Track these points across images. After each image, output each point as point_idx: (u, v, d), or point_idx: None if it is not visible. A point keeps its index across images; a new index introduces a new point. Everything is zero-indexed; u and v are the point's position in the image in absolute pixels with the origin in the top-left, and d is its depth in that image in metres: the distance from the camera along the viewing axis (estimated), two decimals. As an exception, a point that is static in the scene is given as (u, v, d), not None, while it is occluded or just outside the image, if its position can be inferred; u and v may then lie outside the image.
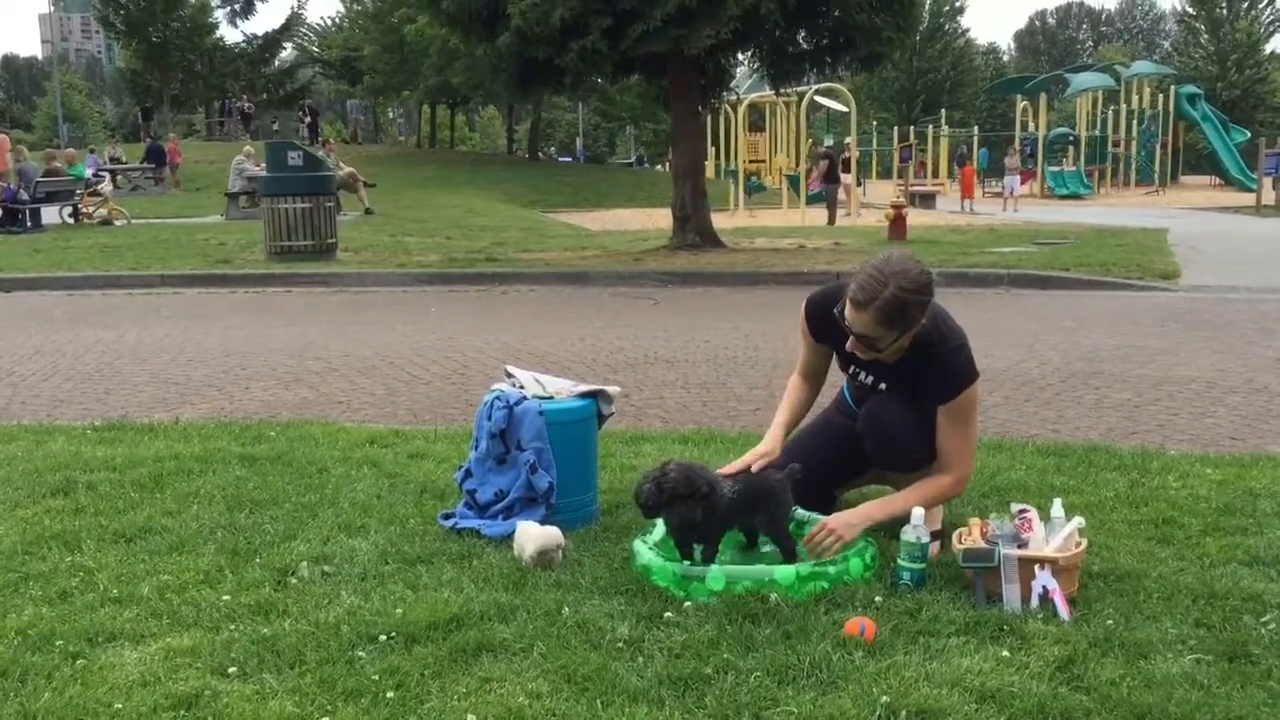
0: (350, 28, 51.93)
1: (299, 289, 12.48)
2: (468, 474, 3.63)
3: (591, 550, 3.26)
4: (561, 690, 2.39)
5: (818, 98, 29.69)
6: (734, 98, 26.02)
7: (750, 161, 31.15)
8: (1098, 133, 39.25)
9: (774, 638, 2.61)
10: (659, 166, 52.15)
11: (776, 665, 2.46)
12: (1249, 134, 42.10)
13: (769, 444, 3.37)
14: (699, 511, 2.97)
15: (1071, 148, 38.84)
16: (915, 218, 18.61)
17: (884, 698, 2.29)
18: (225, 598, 2.91)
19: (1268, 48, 63.73)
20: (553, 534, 3.14)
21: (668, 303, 10.94)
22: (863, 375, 3.42)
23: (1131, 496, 3.73)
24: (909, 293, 3.02)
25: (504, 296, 11.78)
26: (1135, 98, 40.49)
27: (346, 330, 8.99)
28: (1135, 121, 40.21)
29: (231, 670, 2.50)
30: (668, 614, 2.75)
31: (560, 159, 59.87)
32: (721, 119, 33.95)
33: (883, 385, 3.36)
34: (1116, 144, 39.67)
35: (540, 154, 55.46)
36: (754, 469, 3.25)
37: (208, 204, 24.95)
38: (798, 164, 29.11)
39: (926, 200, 28.72)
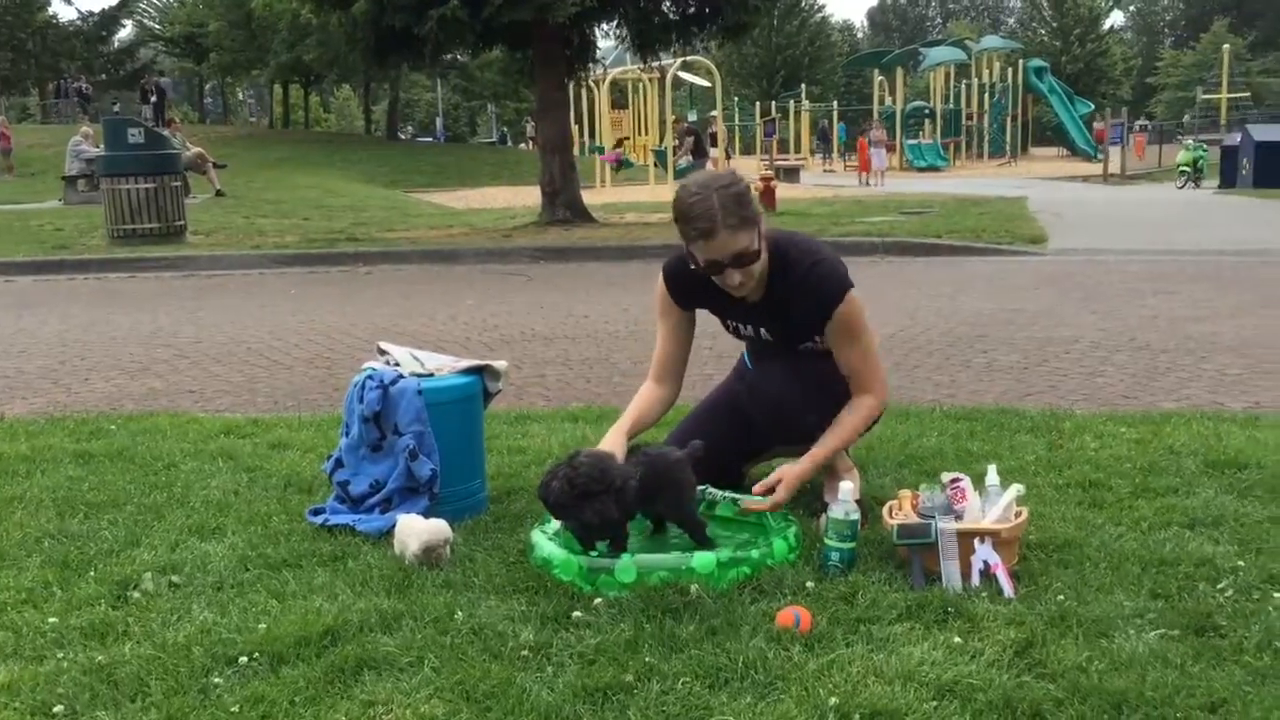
0: (194, 3, 49.69)
1: (145, 274, 11.70)
2: (338, 464, 3.23)
3: (483, 544, 2.91)
4: (459, 711, 2.04)
5: (680, 73, 29.53)
6: (600, 71, 25.65)
7: (615, 139, 30.85)
8: (952, 106, 40.16)
9: (699, 635, 2.30)
10: (522, 145, 51.40)
11: (706, 667, 2.16)
12: (1092, 106, 43.65)
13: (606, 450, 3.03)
14: (614, 508, 2.64)
15: (928, 121, 39.67)
16: (781, 191, 18.57)
17: (831, 699, 2.01)
18: (52, 620, 2.47)
19: (1107, 23, 66.37)
20: (439, 528, 2.78)
21: (541, 279, 10.57)
22: (743, 328, 3.17)
23: (1053, 460, 3.55)
24: (730, 186, 2.87)
25: (368, 277, 11.24)
26: (986, 72, 41.58)
27: (198, 315, 8.38)
28: (987, 95, 41.30)
29: (58, 709, 2.08)
30: (576, 613, 2.43)
31: (420, 140, 58.44)
32: (585, 96, 33.55)
33: (763, 330, 3.12)
34: (970, 117, 40.69)
35: (400, 134, 54.07)
36: None
37: (44, 189, 23.38)
38: (662, 140, 28.91)
39: (791, 174, 28.88)
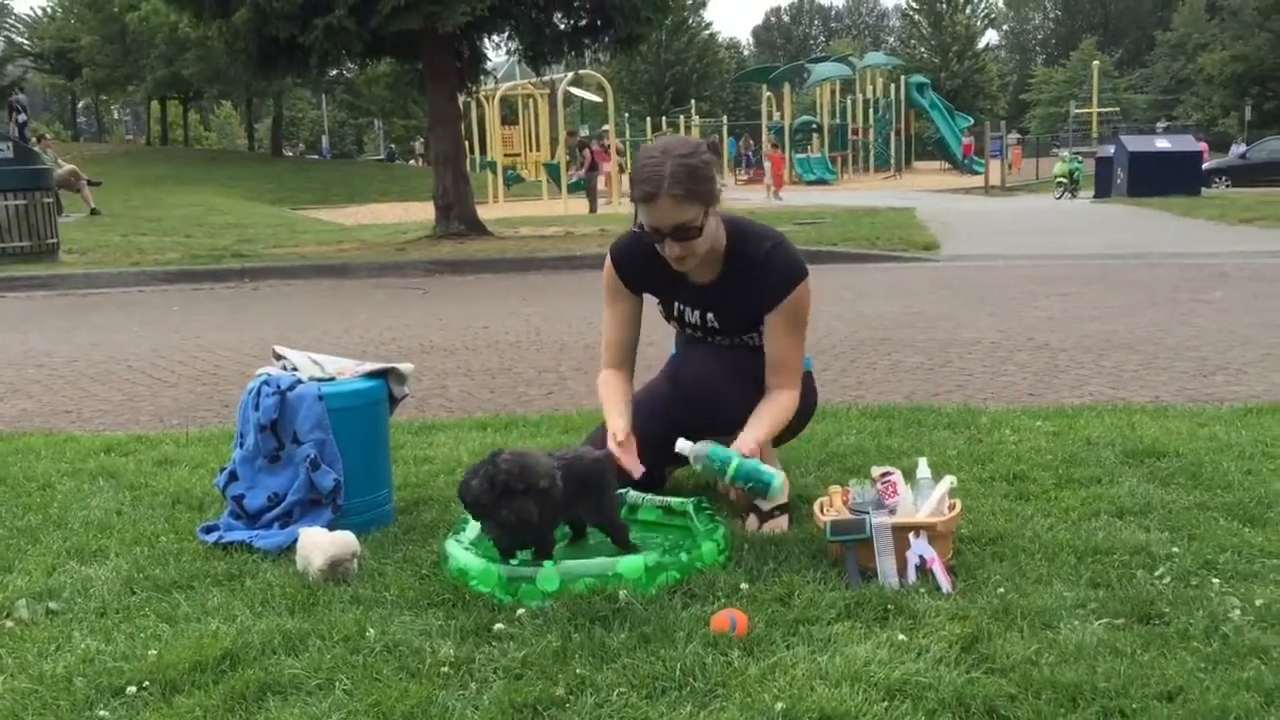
0: (64, 17, 47.92)
1: (14, 294, 11.13)
2: (232, 477, 3.01)
3: (393, 556, 2.73)
4: (377, 735, 1.87)
5: (571, 88, 29.50)
6: (491, 85, 25.46)
7: (506, 155, 30.64)
8: (838, 121, 40.88)
9: (631, 643, 2.16)
10: (412, 161, 50.71)
11: (641, 676, 2.02)
12: (971, 120, 44.90)
13: (623, 426, 2.92)
14: (535, 509, 2.48)
15: (815, 135, 40.30)
16: (674, 204, 18.56)
17: (778, 704, 1.89)
18: (-87, 656, 2.22)
19: (983, 40, 68.49)
20: (345, 540, 2.59)
21: (438, 291, 10.33)
22: (689, 313, 3.05)
23: (974, 453, 3.51)
24: (688, 156, 2.75)
25: (255, 293, 10.86)
26: (870, 87, 42.47)
27: (74, 335, 7.95)
28: (871, 110, 42.17)
29: (-82, 756, 1.85)
30: (498, 625, 2.27)
31: (307, 157, 57.24)
32: (474, 112, 33.28)
33: (711, 316, 3.01)
34: (855, 131, 41.48)
35: (287, 152, 52.88)
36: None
37: (-96, 209, 22.22)
38: (553, 155, 28.81)
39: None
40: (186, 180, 29.70)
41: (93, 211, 20.41)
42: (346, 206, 27.42)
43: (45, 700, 2.00)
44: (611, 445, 2.82)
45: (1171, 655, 2.04)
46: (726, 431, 3.02)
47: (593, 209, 22.91)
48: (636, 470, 2.80)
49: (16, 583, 2.61)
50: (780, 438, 3.03)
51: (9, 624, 2.37)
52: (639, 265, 3.00)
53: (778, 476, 2.66)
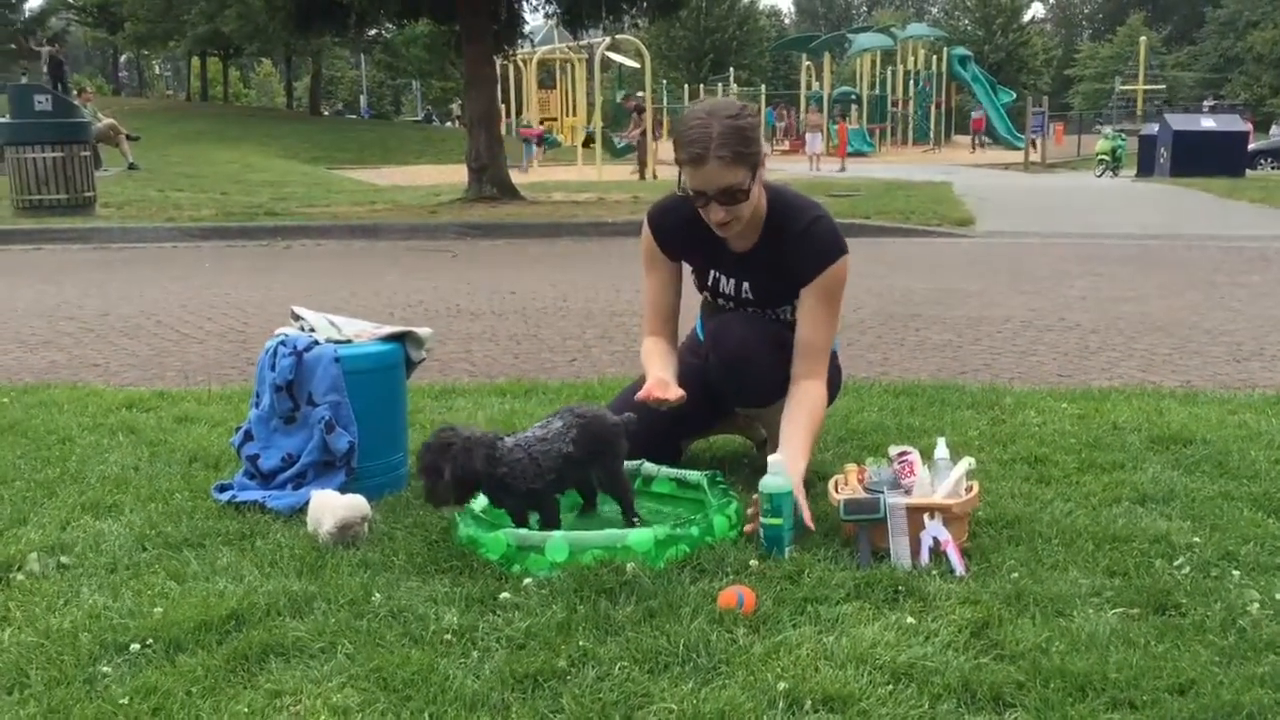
0: (107, -29, 48.01)
1: (51, 246, 11.22)
2: (248, 436, 3.01)
3: (403, 521, 2.72)
4: (376, 701, 1.86)
5: (609, 53, 29.27)
6: (529, 48, 25.34)
7: (542, 119, 30.54)
8: (878, 93, 40.42)
9: (637, 617, 2.14)
10: (448, 123, 50.66)
11: (644, 651, 2.00)
12: (1014, 95, 44.25)
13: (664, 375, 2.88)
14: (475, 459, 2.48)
15: (854, 107, 39.86)
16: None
17: (780, 684, 1.87)
18: (-76, 606, 2.24)
19: (1028, 14, 67.41)
20: (356, 504, 2.58)
21: (467, 255, 10.32)
22: (724, 283, 2.99)
23: (996, 434, 3.46)
24: (735, 117, 2.70)
25: (288, 251, 10.89)
26: (911, 59, 41.89)
27: (107, 288, 8.01)
28: (912, 82, 41.63)
29: (-77, 705, 1.86)
30: (504, 594, 2.25)
31: (346, 117, 57.26)
32: (511, 75, 33.15)
33: (747, 285, 2.95)
34: (895, 104, 41.00)
35: (324, 111, 52.91)
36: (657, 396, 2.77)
37: (-54, 160, 22.45)
38: (590, 121, 28.68)
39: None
40: (225, 137, 29.77)
41: (131, 166, 20.51)
42: (382, 167, 27.43)
43: (50, 655, 2.01)
44: (650, 384, 2.79)
45: (1186, 647, 1.99)
46: (757, 403, 2.99)
47: (643, 175, 22.90)
48: (675, 394, 2.76)
49: (30, 536, 2.63)
50: None
51: (20, 577, 2.38)
52: (677, 231, 2.96)
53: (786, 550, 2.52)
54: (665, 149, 32.31)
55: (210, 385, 4.56)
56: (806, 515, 2.54)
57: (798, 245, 2.84)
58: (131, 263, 9.90)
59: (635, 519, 2.67)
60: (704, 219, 2.82)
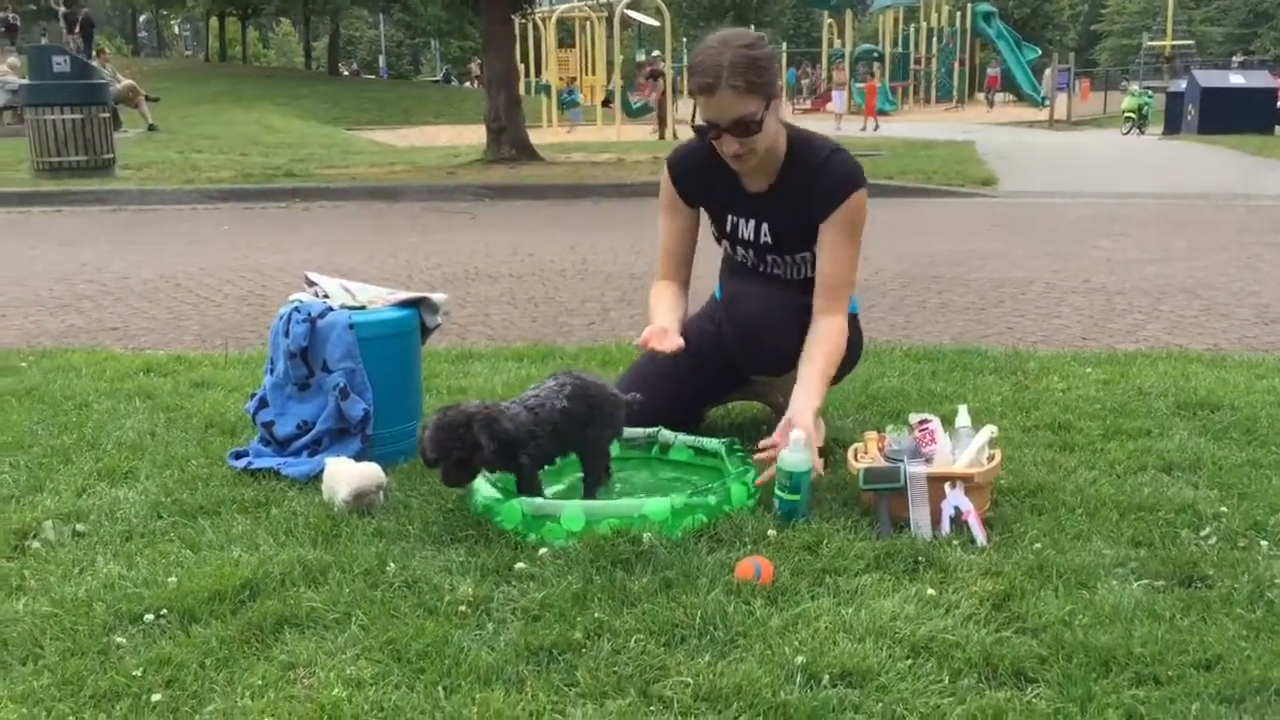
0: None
1: (71, 208, 11.23)
2: (262, 403, 3.00)
3: (419, 490, 2.70)
4: (390, 673, 1.85)
5: (628, 11, 28.95)
6: (548, 6, 25.12)
7: (561, 78, 30.27)
8: (901, 50, 39.91)
9: (653, 588, 2.12)
10: (467, 84, 50.39)
11: (660, 623, 1.98)
12: (1039, 51, 43.59)
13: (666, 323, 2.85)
14: (485, 442, 2.42)
15: (877, 64, 39.39)
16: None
17: (798, 657, 1.84)
18: (-61, 574, 2.23)
19: (1055, -32, 66.27)
20: (371, 472, 2.57)
21: (486, 217, 10.28)
22: (743, 227, 2.94)
23: (1019, 401, 3.41)
24: (749, 47, 2.65)
25: (306, 214, 10.87)
26: (934, 16, 41.29)
27: (126, 251, 8.01)
28: (935, 39, 41.07)
29: (-63, 675, 1.86)
30: (519, 564, 2.23)
31: (364, 77, 57.03)
32: (530, 34, 32.88)
33: (765, 227, 2.89)
34: (918, 61, 40.49)
35: (343, 71, 52.73)
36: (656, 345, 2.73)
37: (-34, 122, 22.48)
38: (609, 80, 28.44)
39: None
40: (244, 98, 29.68)
41: (150, 127, 20.50)
42: (400, 128, 27.34)
43: (64, 625, 2.01)
44: (648, 332, 2.75)
45: (1212, 621, 1.96)
46: (771, 371, 2.95)
47: (662, 135, 22.76)
48: (672, 345, 2.72)
49: (46, 503, 2.62)
50: None
51: (35, 545, 2.38)
52: (697, 175, 2.92)
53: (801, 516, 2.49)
54: (685, 108, 32.07)
55: (228, 349, 4.55)
56: (818, 464, 2.53)
57: (815, 178, 2.79)
58: (151, 225, 9.90)
59: (593, 497, 2.62)
60: (720, 155, 2.77)
